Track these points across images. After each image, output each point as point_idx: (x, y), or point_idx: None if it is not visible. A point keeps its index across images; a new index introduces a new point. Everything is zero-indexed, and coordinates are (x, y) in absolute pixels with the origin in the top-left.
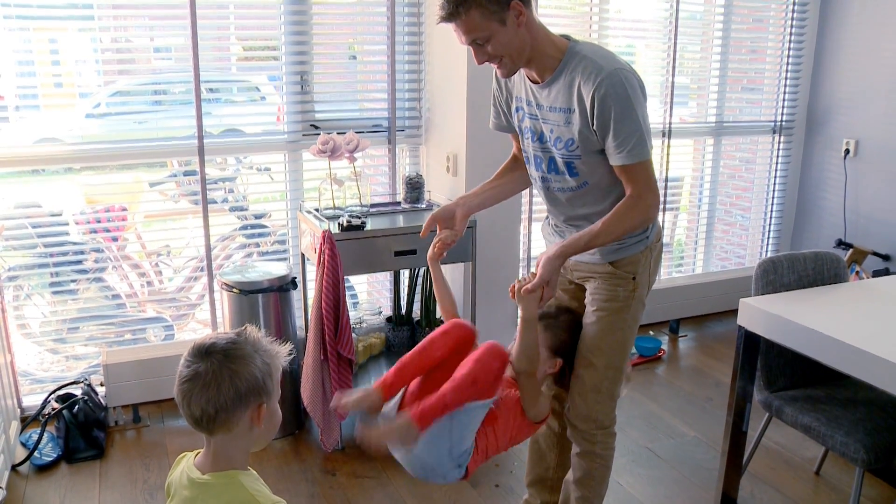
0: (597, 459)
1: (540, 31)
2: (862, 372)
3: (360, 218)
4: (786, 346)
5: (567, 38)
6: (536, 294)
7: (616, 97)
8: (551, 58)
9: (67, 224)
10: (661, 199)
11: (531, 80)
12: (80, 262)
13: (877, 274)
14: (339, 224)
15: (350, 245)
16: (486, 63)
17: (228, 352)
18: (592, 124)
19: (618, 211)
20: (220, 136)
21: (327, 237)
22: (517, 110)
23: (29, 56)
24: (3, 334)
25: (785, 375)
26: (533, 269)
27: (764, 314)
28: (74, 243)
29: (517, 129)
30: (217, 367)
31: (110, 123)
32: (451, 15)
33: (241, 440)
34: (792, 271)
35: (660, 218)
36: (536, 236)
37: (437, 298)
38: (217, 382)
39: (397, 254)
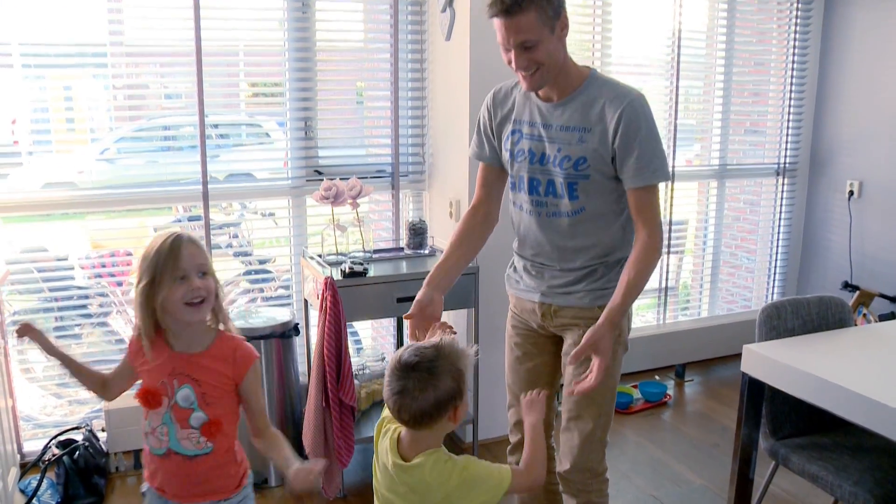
0: None
1: (566, 52)
2: (868, 420)
3: (362, 264)
4: (790, 393)
5: (587, 67)
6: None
7: (644, 118)
8: (574, 78)
9: (73, 268)
10: (665, 241)
11: (543, 99)
12: (84, 306)
13: (883, 318)
14: (341, 270)
15: (352, 291)
16: (520, 70)
17: (430, 369)
18: (613, 142)
19: (640, 259)
20: (225, 180)
21: (329, 284)
22: (512, 133)
23: (43, 103)
24: (5, 379)
25: (791, 422)
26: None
27: (767, 361)
28: (79, 287)
29: (506, 154)
30: (422, 383)
31: (119, 169)
32: (509, 9)
33: (440, 431)
34: (796, 316)
35: (664, 260)
36: None
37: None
38: (423, 395)
39: (400, 300)
